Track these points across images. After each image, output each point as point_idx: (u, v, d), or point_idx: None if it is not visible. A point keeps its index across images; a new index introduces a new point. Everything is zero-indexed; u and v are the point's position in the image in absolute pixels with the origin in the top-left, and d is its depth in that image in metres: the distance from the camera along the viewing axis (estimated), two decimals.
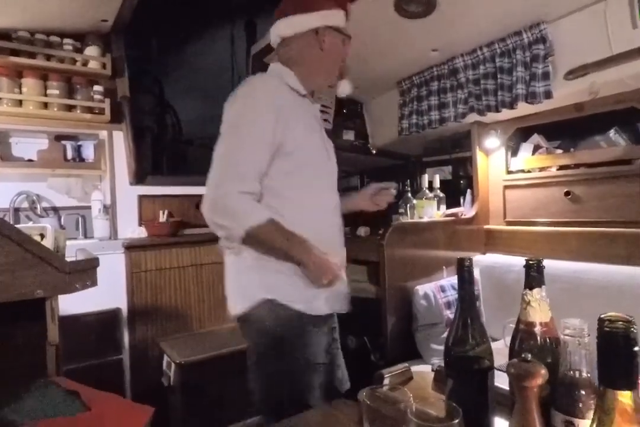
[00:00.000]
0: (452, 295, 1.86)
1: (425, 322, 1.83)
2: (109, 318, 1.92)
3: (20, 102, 1.83)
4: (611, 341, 0.40)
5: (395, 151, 2.98)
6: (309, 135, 1.19)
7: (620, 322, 0.40)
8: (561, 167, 1.98)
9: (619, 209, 1.77)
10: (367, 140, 2.88)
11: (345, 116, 2.78)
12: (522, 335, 0.77)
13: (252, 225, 1.04)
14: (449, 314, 1.81)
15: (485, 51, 1.92)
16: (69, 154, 2.11)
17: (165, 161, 3.05)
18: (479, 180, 2.25)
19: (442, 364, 0.87)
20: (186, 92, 4.24)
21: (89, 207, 2.16)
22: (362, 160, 3.12)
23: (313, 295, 1.18)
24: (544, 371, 0.67)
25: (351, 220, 3.20)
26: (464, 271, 0.82)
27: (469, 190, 2.33)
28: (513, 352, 0.78)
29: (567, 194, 1.93)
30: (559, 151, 2.03)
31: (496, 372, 0.83)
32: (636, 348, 0.39)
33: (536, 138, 2.12)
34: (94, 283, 0.87)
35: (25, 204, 2.10)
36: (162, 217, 2.20)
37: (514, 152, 2.19)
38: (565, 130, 2.07)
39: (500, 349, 0.88)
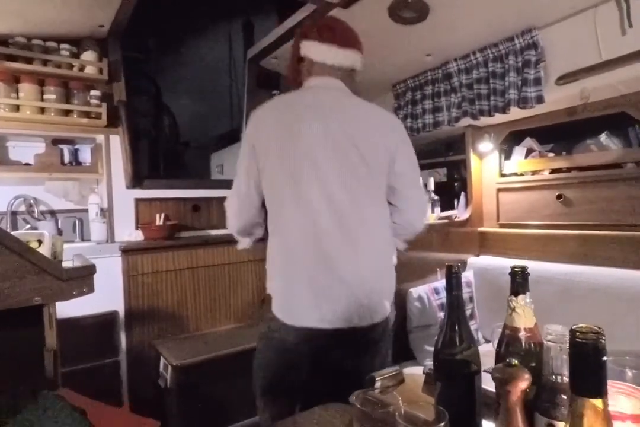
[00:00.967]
0: (445, 300, 1.89)
1: (419, 323, 1.86)
2: (106, 321, 1.93)
3: (17, 107, 1.84)
4: (581, 351, 0.42)
5: None
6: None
7: (591, 334, 0.42)
8: (553, 171, 2.00)
9: (610, 212, 1.80)
10: None
11: None
12: (508, 340, 0.79)
13: None
14: (443, 316, 1.83)
15: (479, 56, 1.95)
16: (66, 157, 2.12)
17: (162, 164, 3.06)
18: (472, 183, 2.28)
19: (432, 368, 0.89)
20: (183, 94, 4.25)
21: (86, 210, 2.17)
22: None
23: None
24: (527, 376, 0.69)
25: None
26: (452, 277, 0.84)
27: (463, 193, 2.35)
28: (499, 357, 0.80)
29: (559, 197, 1.96)
30: (551, 155, 2.06)
31: (485, 375, 0.85)
32: (604, 358, 0.41)
33: (529, 142, 2.14)
34: (90, 290, 0.89)
35: (23, 208, 2.11)
36: (159, 220, 2.22)
37: (507, 156, 2.22)
38: (557, 134, 2.10)
39: (491, 352, 0.90)
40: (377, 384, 1.03)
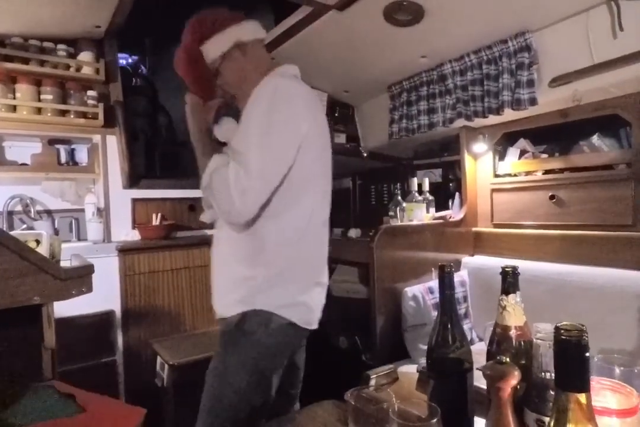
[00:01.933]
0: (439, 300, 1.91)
1: (413, 322, 1.87)
2: (102, 320, 1.94)
3: (14, 108, 1.85)
4: (566, 347, 0.44)
5: (386, 154, 3.03)
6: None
7: (574, 331, 0.44)
8: (546, 172, 2.03)
9: (602, 212, 1.83)
10: (359, 144, 2.92)
11: (337, 119, 2.82)
12: (499, 338, 0.81)
13: None
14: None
15: (473, 58, 1.97)
16: (63, 157, 2.13)
17: (158, 164, 3.06)
18: (467, 183, 2.30)
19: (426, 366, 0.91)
20: (179, 94, 4.23)
21: (83, 210, 2.18)
22: (353, 163, 3.16)
23: None
24: (517, 373, 0.71)
25: (342, 222, 3.24)
26: (444, 276, 0.86)
27: (457, 194, 2.38)
28: (490, 354, 0.82)
29: (551, 197, 1.98)
30: (545, 156, 2.08)
31: (478, 373, 0.87)
32: (587, 354, 0.43)
33: (522, 143, 2.17)
34: (89, 289, 0.90)
35: (19, 207, 2.11)
36: (155, 220, 2.23)
37: (501, 157, 2.24)
38: (550, 136, 2.12)
39: (484, 350, 0.92)
40: (372, 382, 1.05)
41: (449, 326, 0.85)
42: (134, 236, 2.21)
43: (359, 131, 2.92)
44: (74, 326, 1.86)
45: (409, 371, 1.50)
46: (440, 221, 2.21)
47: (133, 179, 2.17)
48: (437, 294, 1.92)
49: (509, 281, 0.81)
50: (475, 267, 2.15)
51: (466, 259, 2.22)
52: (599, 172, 1.84)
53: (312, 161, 1.12)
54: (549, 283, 1.79)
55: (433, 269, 2.03)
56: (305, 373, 1.37)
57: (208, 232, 2.41)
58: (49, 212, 2.20)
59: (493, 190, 2.25)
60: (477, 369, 0.88)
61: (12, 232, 1.03)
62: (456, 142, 2.38)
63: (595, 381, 0.70)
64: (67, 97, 1.95)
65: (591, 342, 0.44)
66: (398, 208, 2.26)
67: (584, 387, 0.44)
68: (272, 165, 1.04)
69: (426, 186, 2.31)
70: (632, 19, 1.46)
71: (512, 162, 2.16)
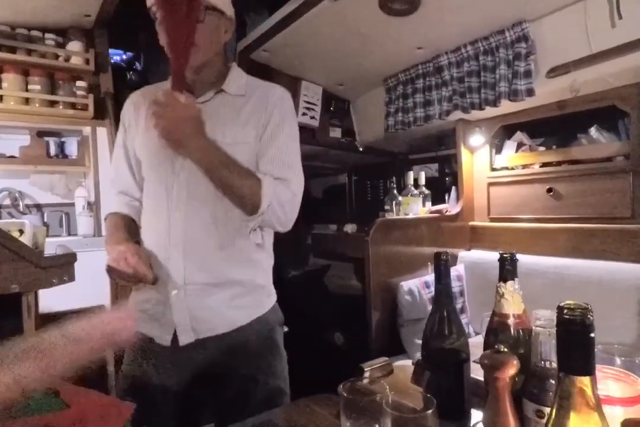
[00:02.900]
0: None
1: (409, 317, 1.85)
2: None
3: (0, 98, 1.81)
4: (569, 327, 0.41)
5: (382, 149, 3.00)
6: (147, 142, 1.05)
7: (578, 310, 0.41)
8: (544, 164, 2.00)
9: (599, 205, 1.80)
10: (354, 138, 2.89)
11: (332, 113, 2.79)
12: (497, 327, 0.78)
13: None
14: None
15: (469, 49, 1.94)
16: (52, 150, 2.08)
17: None
18: (463, 177, 2.27)
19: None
20: None
21: (73, 204, 2.14)
22: (349, 157, 3.13)
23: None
24: (515, 362, 0.68)
25: (338, 217, 3.21)
26: (440, 264, 0.83)
27: (453, 188, 2.35)
28: (487, 344, 0.79)
29: (549, 190, 1.96)
30: (542, 148, 2.06)
31: (475, 365, 0.84)
32: (592, 334, 0.40)
33: (519, 136, 2.14)
34: (71, 278, 0.87)
35: (8, 201, 2.07)
36: None
37: (498, 150, 2.22)
38: (547, 128, 2.10)
39: (481, 343, 0.89)
40: (366, 374, 1.02)
41: (445, 315, 0.83)
42: None
43: (354, 125, 2.89)
44: (62, 322, 1.82)
45: (403, 364, 1.47)
46: (437, 215, 2.18)
47: None
48: (433, 288, 1.91)
49: (507, 267, 0.78)
50: (472, 261, 2.12)
51: (463, 254, 2.20)
52: (597, 164, 1.82)
53: None
54: (547, 277, 1.77)
55: (429, 263, 2.01)
56: (300, 369, 1.34)
57: None
58: (38, 206, 2.16)
59: (490, 183, 2.22)
60: (474, 361, 0.85)
61: None
62: (452, 135, 2.36)
63: (598, 369, 0.67)
64: (55, 88, 1.91)
65: None
66: (394, 202, 2.23)
67: (589, 370, 0.41)
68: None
69: (422, 180, 2.29)
70: (631, 6, 1.44)
71: (509, 155, 2.14)
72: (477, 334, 1.93)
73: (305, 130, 2.63)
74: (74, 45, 1.94)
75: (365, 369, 1.03)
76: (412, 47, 2.08)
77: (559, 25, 1.68)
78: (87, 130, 2.08)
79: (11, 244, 0.79)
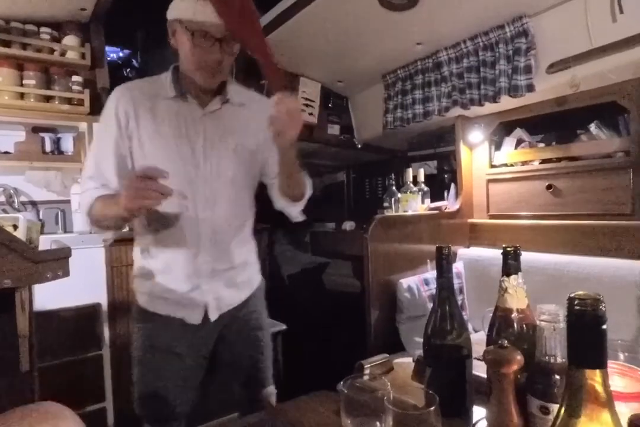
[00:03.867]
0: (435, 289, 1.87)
1: (409, 314, 1.84)
2: (88, 313, 1.88)
3: None
4: (580, 319, 0.40)
5: (381, 146, 2.99)
6: (165, 149, 1.10)
7: (590, 300, 0.39)
8: (543, 161, 1.99)
9: (599, 202, 1.80)
10: (353, 135, 2.87)
11: (331, 110, 2.77)
12: (500, 322, 0.77)
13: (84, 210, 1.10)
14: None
15: (469, 45, 1.93)
16: (48, 146, 2.06)
17: None
18: (462, 174, 2.26)
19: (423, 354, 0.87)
20: None
21: (69, 201, 2.11)
22: (347, 155, 3.11)
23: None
24: (519, 357, 0.67)
25: (337, 215, 3.20)
26: (442, 258, 0.82)
27: (453, 184, 2.34)
28: (490, 339, 0.78)
29: (548, 187, 1.95)
30: (541, 145, 2.05)
31: (476, 362, 0.83)
32: (604, 326, 0.39)
33: (519, 132, 2.13)
34: (65, 273, 0.85)
35: (2, 198, 2.04)
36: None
37: (498, 146, 2.21)
38: (547, 125, 2.09)
39: (481, 340, 0.88)
40: (366, 371, 1.00)
41: (447, 310, 0.81)
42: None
43: (353, 122, 2.87)
44: (57, 320, 1.79)
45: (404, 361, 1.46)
46: (436, 211, 2.17)
47: None
48: (432, 286, 1.90)
49: (510, 261, 0.77)
50: (472, 258, 2.11)
51: (462, 251, 2.19)
52: (597, 160, 1.81)
53: None
54: (547, 273, 1.76)
55: (428, 260, 1.99)
56: (299, 367, 1.34)
57: None
58: (33, 203, 2.13)
59: (489, 180, 2.21)
60: (476, 358, 0.84)
61: None
62: (452, 132, 2.34)
63: None
64: (51, 83, 1.88)
65: None
66: (393, 199, 2.22)
67: (601, 363, 0.40)
68: None
69: (421, 177, 2.28)
70: (633, 0, 1.42)
71: (509, 152, 2.13)
72: (476, 331, 1.92)
73: (303, 127, 2.61)
74: (70, 40, 1.91)
75: (365, 366, 1.02)
76: (412, 43, 2.06)
77: (559, 20, 1.67)
78: (83, 126, 2.06)
79: (3, 238, 0.77)
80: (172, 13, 1.07)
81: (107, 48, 2.22)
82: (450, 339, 0.78)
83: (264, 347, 1.30)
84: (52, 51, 1.89)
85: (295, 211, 1.29)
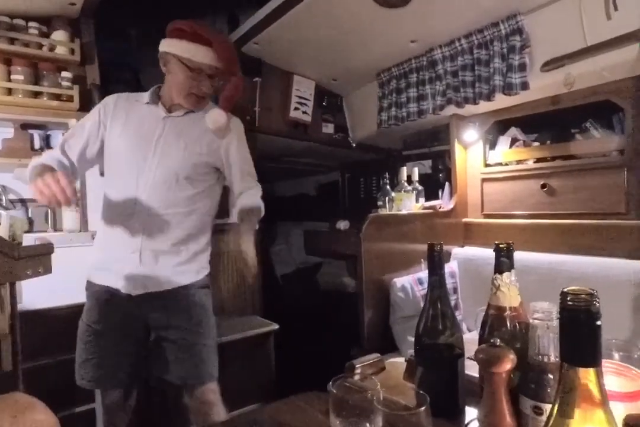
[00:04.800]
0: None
1: (402, 314, 1.82)
2: (78, 312, 1.84)
3: None
4: (573, 315, 0.38)
5: (375, 145, 2.97)
6: (126, 138, 1.33)
7: (583, 295, 0.38)
8: (538, 160, 1.98)
9: (594, 200, 1.79)
10: (347, 134, 2.86)
11: (325, 109, 2.75)
12: (492, 320, 0.75)
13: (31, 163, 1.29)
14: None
15: (464, 42, 1.91)
16: (37, 143, 2.02)
17: None
18: (457, 173, 2.25)
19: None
20: None
21: None
22: (342, 154, 3.10)
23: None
24: (512, 356, 0.65)
25: (331, 215, 3.18)
26: (434, 255, 0.80)
27: (447, 184, 2.33)
28: (482, 338, 0.76)
29: (543, 186, 1.94)
30: (536, 144, 2.04)
31: (468, 362, 0.81)
32: (598, 322, 0.37)
33: (513, 131, 2.12)
34: (47, 270, 0.82)
35: None
36: None
37: (492, 145, 2.20)
38: (542, 124, 2.08)
39: (475, 340, 0.87)
40: (357, 371, 0.99)
41: (440, 308, 0.80)
42: None
43: (347, 121, 2.85)
44: (46, 319, 1.76)
45: (394, 361, 1.45)
46: (430, 211, 2.15)
47: None
48: (426, 285, 1.88)
49: (503, 258, 0.75)
50: (466, 258, 2.10)
51: (456, 250, 2.18)
52: (591, 159, 1.80)
53: None
54: (541, 273, 1.76)
55: (422, 259, 1.98)
56: (290, 366, 1.32)
57: None
58: (22, 201, 2.09)
59: (483, 179, 2.20)
60: (468, 358, 0.82)
61: None
62: (446, 131, 2.33)
63: None
64: (39, 79, 1.85)
65: None
66: (387, 198, 2.20)
67: (595, 361, 0.38)
68: None
69: (415, 176, 2.26)
70: None
71: (503, 151, 2.12)
72: (470, 331, 1.90)
73: (297, 126, 2.60)
74: (59, 35, 1.87)
75: (357, 366, 1.00)
76: (406, 41, 2.05)
77: (553, 18, 1.66)
78: (72, 122, 2.02)
79: None
80: (169, 48, 1.31)
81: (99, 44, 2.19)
82: (442, 338, 0.77)
83: None
84: (40, 46, 1.85)
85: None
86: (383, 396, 0.66)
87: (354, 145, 2.88)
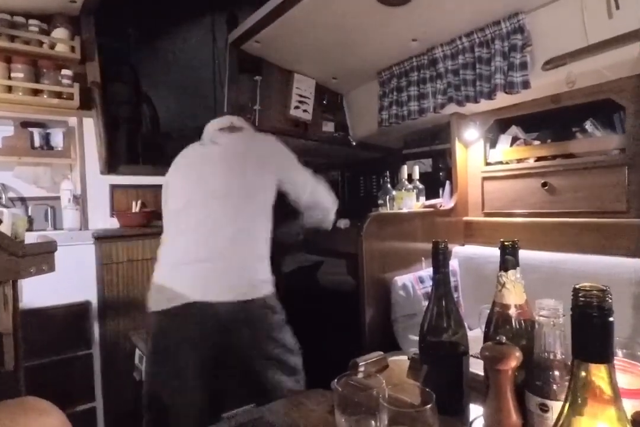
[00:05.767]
0: (431, 286, 1.85)
1: (403, 313, 1.82)
2: (78, 311, 1.85)
3: None
4: (586, 311, 0.38)
5: (376, 143, 2.97)
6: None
7: (595, 292, 0.38)
8: (538, 159, 1.98)
9: (595, 199, 1.79)
10: (347, 132, 2.86)
11: (325, 107, 2.75)
12: (497, 318, 0.75)
13: None
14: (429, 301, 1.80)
15: (465, 41, 1.91)
16: (37, 141, 2.01)
17: (140, 151, 2.96)
18: (457, 171, 2.25)
19: (418, 352, 0.85)
20: (165, 86, 4.13)
21: (59, 198, 2.07)
22: (342, 152, 3.10)
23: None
24: (518, 353, 0.65)
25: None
26: (439, 253, 0.80)
27: (447, 182, 2.33)
28: (488, 336, 0.76)
29: (544, 185, 1.94)
30: (537, 143, 2.04)
31: (472, 359, 0.81)
32: (611, 318, 0.37)
33: (514, 130, 2.12)
34: (50, 268, 0.82)
35: None
36: (135, 208, 2.13)
37: (493, 144, 2.20)
38: (542, 122, 2.08)
39: (477, 338, 0.87)
40: (361, 369, 0.98)
41: (444, 305, 0.80)
42: (113, 223, 2.12)
43: (347, 120, 2.85)
44: (47, 318, 1.76)
45: (399, 358, 1.45)
46: (431, 209, 2.15)
47: (111, 165, 2.07)
48: (427, 284, 1.88)
49: (508, 256, 0.75)
50: (466, 257, 2.10)
51: (457, 249, 2.18)
52: (592, 158, 1.80)
53: None
54: (542, 272, 1.75)
55: (423, 258, 1.98)
56: None
57: None
58: (22, 200, 2.09)
59: (484, 178, 2.20)
60: (472, 355, 0.82)
61: None
62: (447, 130, 2.33)
63: None
64: (39, 76, 1.84)
65: None
66: (387, 196, 2.20)
67: (607, 358, 0.38)
68: None
69: (416, 175, 2.26)
70: None
71: (504, 149, 2.11)
72: (471, 329, 1.90)
73: (298, 125, 2.59)
74: (59, 33, 1.87)
75: (360, 364, 0.99)
76: (407, 39, 2.04)
77: (555, 17, 1.66)
78: (73, 120, 2.02)
79: None
80: None
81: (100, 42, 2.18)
82: (447, 335, 0.77)
83: None
84: (41, 44, 1.85)
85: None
86: (388, 393, 0.66)
87: (354, 143, 2.88)
